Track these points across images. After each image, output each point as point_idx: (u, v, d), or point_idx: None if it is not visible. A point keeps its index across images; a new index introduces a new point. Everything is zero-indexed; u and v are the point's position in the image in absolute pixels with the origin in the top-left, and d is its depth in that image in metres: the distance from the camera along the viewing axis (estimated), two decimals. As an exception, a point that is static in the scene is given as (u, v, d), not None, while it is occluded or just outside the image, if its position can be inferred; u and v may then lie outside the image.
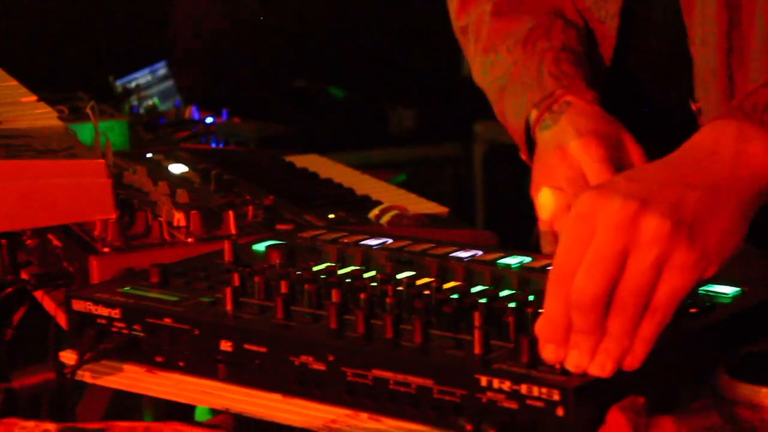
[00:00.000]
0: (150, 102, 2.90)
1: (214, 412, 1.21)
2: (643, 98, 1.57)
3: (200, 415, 1.28)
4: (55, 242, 1.57)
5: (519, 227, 1.84)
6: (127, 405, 2.09)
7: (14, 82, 1.72)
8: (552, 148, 1.48)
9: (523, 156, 1.61)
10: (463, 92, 5.19)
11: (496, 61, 1.63)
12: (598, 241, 1.02)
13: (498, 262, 1.30)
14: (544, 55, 1.56)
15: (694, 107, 1.49)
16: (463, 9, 1.71)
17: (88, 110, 1.83)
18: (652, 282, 1.02)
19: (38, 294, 1.55)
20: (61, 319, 1.51)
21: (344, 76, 5.16)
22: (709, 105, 1.47)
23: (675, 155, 1.13)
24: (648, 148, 1.44)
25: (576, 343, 1.02)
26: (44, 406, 1.34)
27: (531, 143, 1.57)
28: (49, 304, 1.54)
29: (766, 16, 1.40)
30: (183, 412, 1.29)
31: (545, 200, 1.43)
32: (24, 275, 1.63)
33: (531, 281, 1.24)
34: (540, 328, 1.04)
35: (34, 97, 1.62)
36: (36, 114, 1.54)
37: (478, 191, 5.03)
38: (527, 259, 1.30)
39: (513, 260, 1.30)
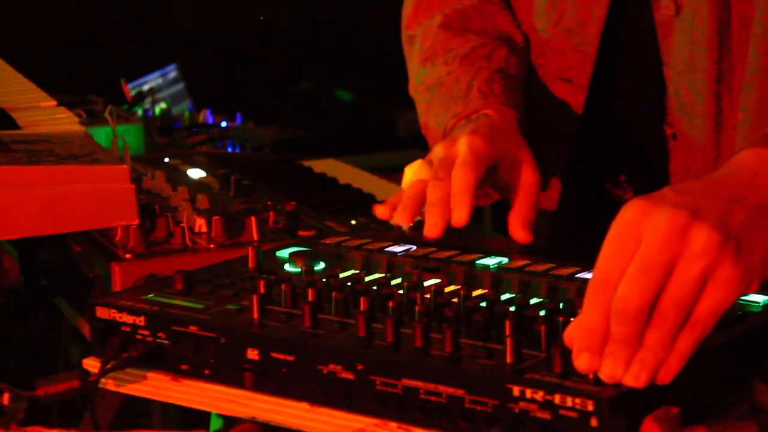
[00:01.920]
0: (160, 105, 2.90)
1: (227, 423, 1.19)
2: (618, 121, 1.57)
3: (215, 424, 1.27)
4: (76, 248, 1.56)
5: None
6: (136, 410, 2.08)
7: (32, 86, 1.72)
8: (448, 139, 1.45)
9: None
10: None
11: (432, 71, 1.63)
12: (645, 250, 1.01)
13: (525, 269, 1.28)
14: (478, 73, 1.56)
15: (668, 131, 1.49)
16: (415, 19, 1.71)
17: (107, 115, 1.82)
18: (696, 294, 1.01)
19: (57, 300, 1.54)
20: (82, 325, 1.50)
21: (352, 78, 5.15)
22: (692, 129, 1.47)
23: (717, 175, 1.12)
24: (624, 168, 1.45)
25: (612, 353, 1.01)
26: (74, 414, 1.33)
27: None
28: (68, 310, 1.54)
29: (757, 44, 1.40)
30: (197, 420, 1.27)
31: (406, 173, 1.42)
32: (43, 281, 1.63)
33: (560, 289, 1.22)
34: (576, 335, 1.03)
35: (53, 102, 1.61)
36: (56, 119, 1.53)
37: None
38: (555, 266, 1.29)
39: (540, 267, 1.29)
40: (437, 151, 1.42)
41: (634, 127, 1.54)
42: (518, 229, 1.40)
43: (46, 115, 1.55)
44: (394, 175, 3.42)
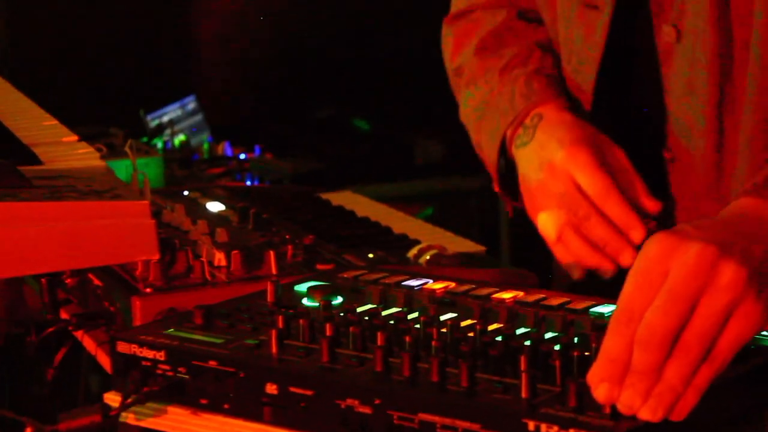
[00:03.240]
0: (179, 137, 2.92)
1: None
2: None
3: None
4: (96, 282, 1.58)
5: (547, 259, 1.85)
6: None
7: (54, 122, 1.73)
8: (537, 165, 1.48)
9: (496, 187, 1.62)
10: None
11: (475, 93, 1.65)
12: (673, 281, 1.03)
13: (540, 303, 1.30)
14: (517, 80, 1.58)
15: (667, 156, 1.50)
16: (457, 50, 1.73)
17: (127, 149, 1.84)
18: (719, 328, 1.03)
19: (78, 334, 1.56)
20: (102, 359, 1.52)
21: (369, 107, 5.18)
22: (692, 152, 1.48)
23: (729, 216, 1.16)
24: None
25: (632, 384, 1.03)
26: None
27: (505, 173, 1.59)
28: (89, 344, 1.55)
29: (757, 66, 1.41)
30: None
31: (545, 224, 1.46)
32: (64, 314, 1.64)
33: (575, 323, 1.24)
34: (598, 364, 1.04)
35: (74, 137, 1.63)
36: (78, 154, 1.54)
37: (504, 224, 5.03)
38: (569, 300, 1.30)
39: (555, 301, 1.30)
40: (555, 187, 1.46)
41: (632, 153, 1.54)
42: (647, 201, 1.45)
43: (67, 150, 1.57)
44: (413, 204, 3.42)
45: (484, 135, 1.61)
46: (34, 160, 1.51)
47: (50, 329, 1.53)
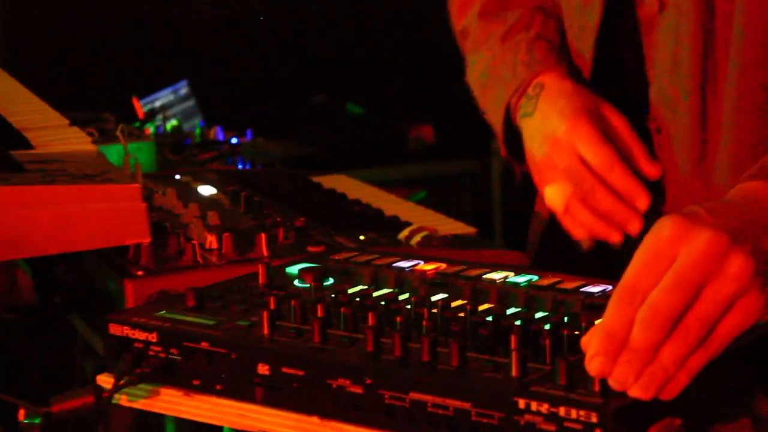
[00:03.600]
0: (172, 122, 2.92)
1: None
2: None
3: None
4: (87, 265, 1.58)
5: (542, 240, 1.86)
6: (150, 424, 2.10)
7: (45, 106, 1.74)
8: (541, 139, 1.51)
9: (503, 152, 1.64)
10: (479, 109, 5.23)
11: (479, 58, 1.67)
12: (682, 265, 1.04)
13: (530, 283, 1.30)
14: (518, 47, 1.60)
15: (652, 126, 1.51)
16: (462, 12, 1.75)
17: (118, 133, 1.85)
18: (721, 314, 1.04)
19: (72, 317, 1.57)
20: (96, 342, 1.52)
21: (361, 92, 5.18)
22: (677, 125, 1.48)
23: (739, 200, 1.16)
24: None
25: (626, 361, 1.03)
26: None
27: (511, 137, 1.61)
28: (82, 327, 1.56)
29: (739, 43, 1.42)
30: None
31: (553, 196, 1.49)
32: (57, 298, 1.65)
33: (565, 303, 1.24)
34: (593, 339, 1.05)
35: (65, 121, 1.64)
36: (69, 138, 1.55)
37: (497, 207, 5.04)
38: (560, 280, 1.31)
39: (545, 281, 1.31)
40: (559, 160, 1.48)
41: None
42: (647, 166, 1.48)
43: (58, 134, 1.57)
44: (406, 188, 3.43)
45: (489, 102, 1.64)
46: (26, 144, 1.52)
47: (44, 313, 1.53)
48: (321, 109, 5.13)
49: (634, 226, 1.45)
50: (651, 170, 1.48)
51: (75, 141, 1.54)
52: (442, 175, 5.02)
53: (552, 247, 1.67)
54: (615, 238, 1.48)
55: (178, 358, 1.22)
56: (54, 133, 1.57)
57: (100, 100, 3.26)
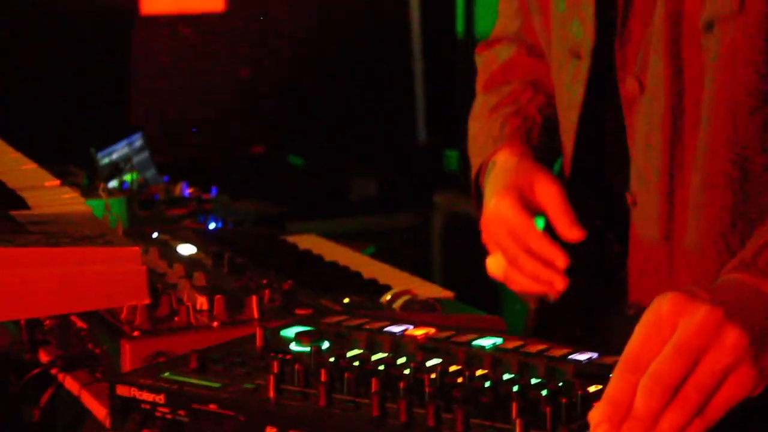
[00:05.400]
0: (131, 175, 2.94)
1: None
2: (588, 186, 1.67)
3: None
4: (79, 324, 1.61)
5: (480, 296, 1.94)
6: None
7: (34, 165, 1.77)
8: (484, 212, 1.65)
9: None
10: (423, 162, 5.31)
11: (471, 129, 1.81)
12: (681, 336, 1.11)
13: (521, 350, 1.36)
14: (496, 122, 1.74)
15: (629, 199, 1.58)
16: (479, 81, 1.88)
17: (101, 192, 1.88)
18: (717, 384, 1.10)
19: (60, 375, 1.59)
20: (87, 400, 1.55)
21: (304, 144, 5.23)
22: (648, 198, 1.55)
23: (727, 285, 1.23)
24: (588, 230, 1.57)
25: (629, 428, 1.09)
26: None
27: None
28: (72, 386, 1.58)
29: (707, 129, 1.49)
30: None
31: (492, 268, 1.63)
32: (43, 355, 1.67)
33: (557, 370, 1.30)
34: (599, 407, 1.11)
35: (57, 181, 1.66)
36: (64, 199, 1.58)
37: (437, 261, 5.11)
38: (548, 348, 1.36)
39: (534, 348, 1.36)
40: (491, 233, 1.62)
41: (605, 195, 1.64)
42: (567, 231, 1.56)
43: (52, 194, 1.60)
44: (353, 241, 3.46)
45: (472, 168, 1.76)
46: (22, 204, 1.54)
47: (36, 370, 1.55)
48: (261, 161, 5.17)
49: (559, 285, 1.55)
50: (569, 235, 1.57)
51: (70, 201, 1.57)
52: (385, 229, 5.07)
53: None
54: (550, 295, 1.58)
55: (186, 419, 1.25)
56: (47, 194, 1.60)
57: (58, 151, 3.28)
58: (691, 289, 1.16)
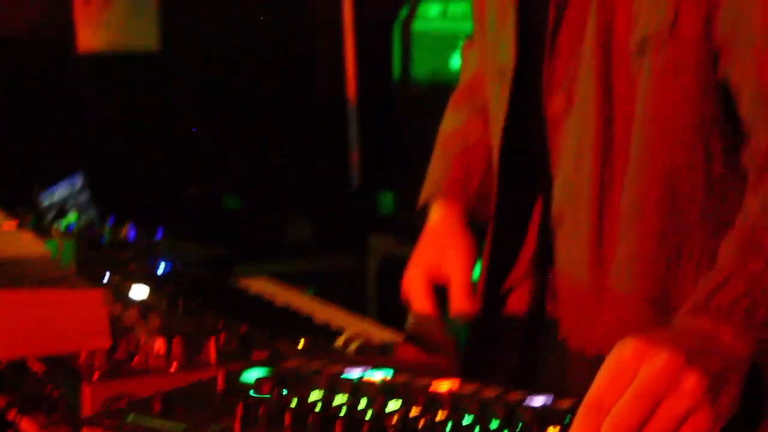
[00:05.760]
0: (70, 216, 2.94)
1: None
2: (516, 207, 1.73)
3: None
4: (35, 367, 1.61)
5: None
6: None
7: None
8: None
9: None
10: (357, 205, 5.35)
11: (436, 144, 1.89)
12: (642, 380, 1.15)
13: (478, 393, 1.39)
14: (441, 159, 1.84)
15: (555, 220, 1.62)
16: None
17: (53, 234, 1.89)
18: (676, 428, 1.14)
19: (18, 418, 1.59)
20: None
21: (240, 186, 5.24)
22: (577, 218, 1.59)
23: (685, 328, 1.27)
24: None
25: None
26: None
27: None
28: (29, 428, 1.58)
29: (637, 149, 1.52)
30: None
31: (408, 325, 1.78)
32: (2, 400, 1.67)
33: (515, 413, 1.33)
34: None
35: (14, 223, 1.68)
36: (23, 243, 1.60)
37: (373, 303, 5.13)
38: (504, 391, 1.39)
39: (491, 392, 1.39)
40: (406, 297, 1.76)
41: (526, 214, 1.70)
42: (456, 307, 1.70)
43: (11, 238, 1.62)
44: (292, 284, 3.47)
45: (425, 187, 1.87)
46: (-19, 247, 1.56)
47: (-7, 413, 1.55)
48: (196, 201, 5.17)
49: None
50: (459, 309, 1.71)
51: (29, 244, 1.59)
52: (321, 272, 5.09)
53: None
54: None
55: (152, 462, 1.27)
56: (6, 237, 1.62)
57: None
58: (654, 332, 1.20)
